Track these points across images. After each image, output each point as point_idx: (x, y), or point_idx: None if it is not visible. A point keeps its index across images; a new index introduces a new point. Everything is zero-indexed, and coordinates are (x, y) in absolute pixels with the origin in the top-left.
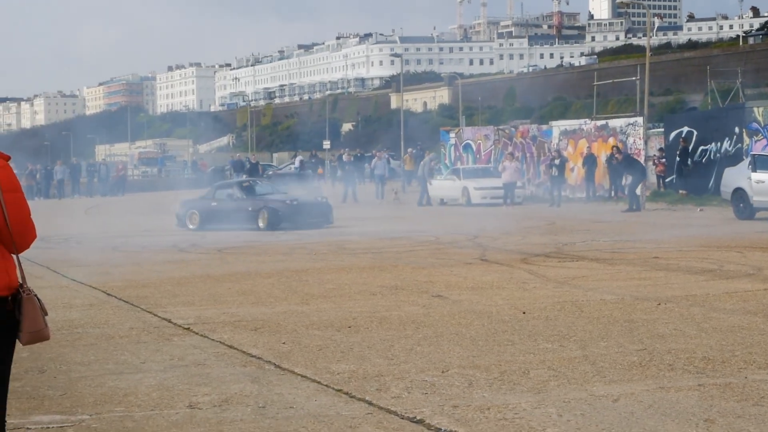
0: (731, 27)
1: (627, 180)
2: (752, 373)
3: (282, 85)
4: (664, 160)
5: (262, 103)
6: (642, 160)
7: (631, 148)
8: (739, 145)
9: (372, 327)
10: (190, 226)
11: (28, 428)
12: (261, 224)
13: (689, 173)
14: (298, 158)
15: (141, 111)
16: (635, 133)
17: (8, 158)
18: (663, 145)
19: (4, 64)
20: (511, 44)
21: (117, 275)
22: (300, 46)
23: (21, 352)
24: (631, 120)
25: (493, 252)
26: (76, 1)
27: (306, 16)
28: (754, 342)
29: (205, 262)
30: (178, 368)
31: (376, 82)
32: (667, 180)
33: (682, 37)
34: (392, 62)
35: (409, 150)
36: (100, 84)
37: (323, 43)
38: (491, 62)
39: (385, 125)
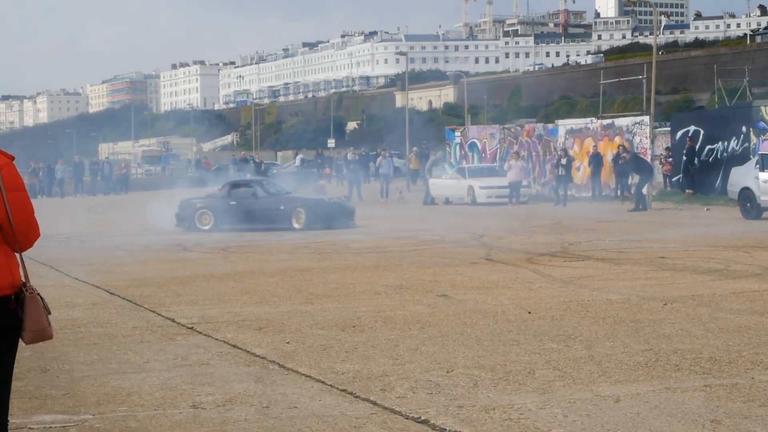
0: (738, 25)
1: (634, 179)
2: (759, 373)
3: (286, 84)
4: (670, 159)
5: (266, 101)
6: (648, 159)
7: (637, 147)
8: (746, 144)
9: (376, 327)
10: (202, 227)
11: (30, 428)
12: (296, 224)
13: (696, 172)
14: (299, 157)
15: (144, 109)
16: (642, 132)
17: (12, 158)
18: (669, 145)
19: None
20: (517, 42)
21: (120, 274)
22: (305, 44)
23: (24, 351)
24: (638, 119)
25: (498, 251)
26: None
27: (311, 14)
28: (761, 342)
29: (208, 261)
30: (182, 368)
31: (381, 81)
32: (673, 179)
33: (689, 36)
34: (397, 60)
35: (414, 149)
36: (104, 82)
37: (328, 41)
38: (497, 61)
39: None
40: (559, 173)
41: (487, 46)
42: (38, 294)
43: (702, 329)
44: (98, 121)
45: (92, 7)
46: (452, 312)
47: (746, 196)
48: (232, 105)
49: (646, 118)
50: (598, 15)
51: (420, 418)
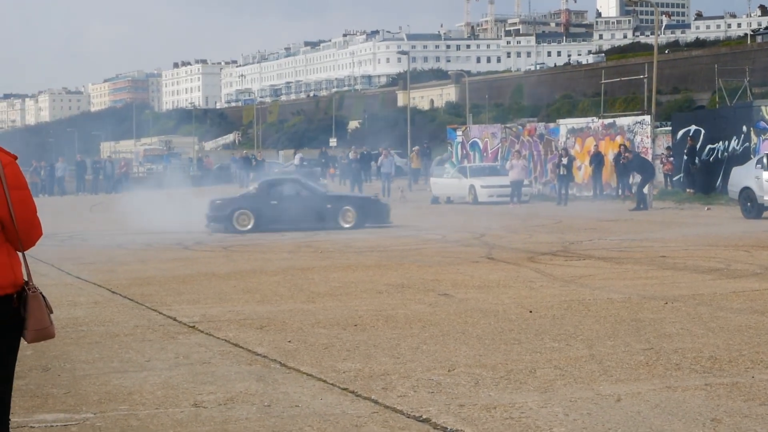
0: (739, 25)
1: (635, 178)
2: (759, 372)
3: (288, 83)
4: (671, 158)
5: (268, 100)
6: (650, 158)
7: (638, 147)
8: (747, 144)
9: (378, 325)
10: (241, 228)
11: (31, 426)
12: (344, 223)
13: (696, 172)
14: (298, 156)
15: (146, 108)
16: (643, 131)
17: (15, 157)
18: (670, 144)
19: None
20: (519, 42)
21: (122, 273)
22: (306, 44)
23: (25, 349)
24: (639, 118)
25: (499, 250)
26: None
27: (313, 13)
28: (761, 341)
29: (210, 260)
30: (183, 366)
31: (383, 80)
32: (674, 179)
33: (690, 36)
34: (399, 60)
35: (416, 148)
36: (106, 80)
37: (330, 41)
38: (498, 60)
39: (392, 123)
40: (561, 173)
41: (488, 46)
42: (40, 293)
43: (703, 328)
44: (100, 119)
45: (94, 6)
46: (453, 311)
47: (747, 195)
48: (234, 104)
49: (647, 118)
50: (599, 15)
51: (421, 416)
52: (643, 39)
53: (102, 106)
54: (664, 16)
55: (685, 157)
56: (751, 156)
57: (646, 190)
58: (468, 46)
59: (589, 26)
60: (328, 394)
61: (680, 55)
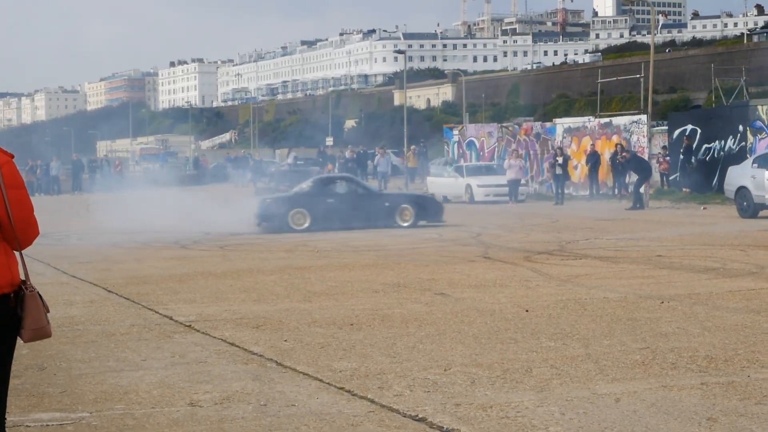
0: (736, 25)
1: (631, 178)
2: (755, 371)
3: (285, 82)
4: (668, 158)
5: (265, 99)
6: (646, 158)
7: (634, 146)
8: (743, 143)
9: (374, 325)
10: (297, 227)
11: (27, 426)
12: (402, 221)
13: (693, 171)
14: (292, 155)
15: (143, 107)
16: (639, 130)
17: (12, 156)
18: (667, 143)
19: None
20: (515, 41)
21: (118, 272)
22: (303, 42)
23: (21, 349)
24: (635, 118)
25: (495, 250)
26: None
27: (309, 12)
28: (757, 341)
29: (206, 259)
30: (179, 366)
31: (380, 79)
32: (670, 178)
33: (686, 35)
34: (396, 59)
35: (412, 147)
36: (102, 79)
37: (326, 39)
38: (495, 59)
39: (389, 122)
40: (557, 172)
41: (485, 45)
42: (37, 292)
43: (699, 327)
44: (96, 118)
45: (91, 5)
46: (450, 310)
47: (743, 194)
48: (230, 103)
49: (644, 117)
50: (596, 14)
51: (417, 416)
52: (639, 38)
53: (98, 105)
54: (660, 15)
55: (681, 157)
56: (748, 155)
57: (642, 189)
58: (464, 46)
59: (586, 25)
60: (324, 393)
61: (677, 54)
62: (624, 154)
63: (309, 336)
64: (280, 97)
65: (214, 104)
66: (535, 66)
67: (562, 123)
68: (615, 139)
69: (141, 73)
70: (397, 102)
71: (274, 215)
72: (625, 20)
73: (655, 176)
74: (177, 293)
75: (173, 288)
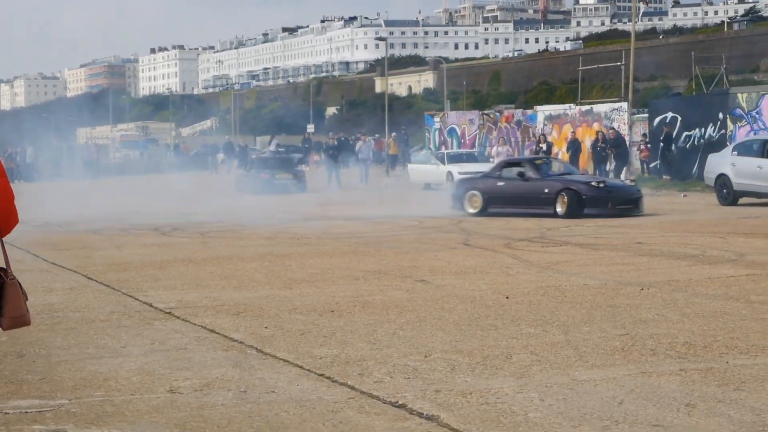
0: (716, 13)
1: (611, 165)
2: (733, 358)
3: (266, 68)
4: (648, 145)
5: (244, 85)
6: (627, 144)
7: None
8: (723, 131)
9: (355, 311)
10: (470, 210)
11: (6, 413)
12: (559, 209)
13: (672, 159)
14: (274, 142)
15: (123, 93)
16: (620, 118)
17: None
18: (647, 131)
19: None
20: (497, 28)
21: (98, 259)
22: (284, 30)
23: None
24: (616, 105)
25: (476, 237)
26: None
27: None
28: (735, 327)
29: (186, 246)
30: (159, 352)
31: (361, 66)
32: (651, 165)
33: (667, 23)
34: (377, 46)
35: (393, 134)
36: (82, 66)
37: (307, 27)
38: (476, 46)
39: (370, 109)
40: None
41: (466, 32)
42: (17, 281)
43: (678, 314)
44: (76, 105)
45: None
46: (430, 297)
47: (723, 182)
48: (211, 90)
49: (625, 105)
50: (577, 2)
51: (397, 402)
52: (620, 26)
53: (78, 92)
54: (641, 3)
55: (662, 144)
56: (728, 143)
57: (622, 176)
58: (446, 33)
59: (567, 13)
60: (304, 379)
61: (657, 42)
62: (611, 130)
63: (289, 323)
64: (261, 83)
65: (195, 91)
66: (516, 53)
67: (543, 110)
68: (596, 126)
69: (121, 59)
70: (378, 89)
71: (456, 196)
72: (606, 8)
73: (636, 164)
74: (157, 280)
75: (153, 275)
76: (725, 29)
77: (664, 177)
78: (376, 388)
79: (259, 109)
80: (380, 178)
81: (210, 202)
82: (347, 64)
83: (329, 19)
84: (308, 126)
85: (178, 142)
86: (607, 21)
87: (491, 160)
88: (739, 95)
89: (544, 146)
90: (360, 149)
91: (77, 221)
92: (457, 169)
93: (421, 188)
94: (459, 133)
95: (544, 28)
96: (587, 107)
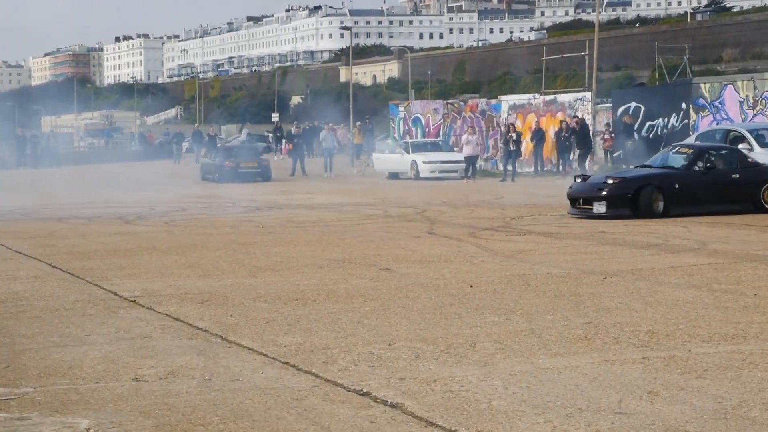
0: (679, 3)
1: (575, 155)
2: (696, 346)
3: (231, 57)
4: (612, 135)
5: (210, 75)
6: (591, 134)
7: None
8: (686, 120)
9: (319, 300)
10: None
11: None
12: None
13: (632, 149)
14: (245, 131)
15: (88, 82)
16: (584, 107)
17: None
18: (611, 121)
19: None
20: (461, 18)
21: (62, 247)
22: (249, 18)
23: None
24: (580, 95)
25: (441, 226)
26: None
27: None
28: (698, 315)
29: (151, 235)
30: (124, 341)
31: (326, 55)
32: (614, 155)
33: (630, 13)
34: (342, 35)
35: (358, 123)
36: (46, 54)
37: (272, 16)
38: (441, 36)
39: (335, 98)
40: (510, 148)
41: (431, 22)
42: None
43: (641, 302)
44: (41, 94)
45: None
46: (395, 286)
47: None
48: (176, 78)
49: (588, 94)
50: None
51: (362, 390)
52: (584, 16)
53: (43, 80)
54: None
55: (623, 135)
56: (690, 132)
57: (587, 165)
58: (411, 22)
59: (531, 3)
60: (269, 367)
61: (621, 32)
62: (575, 119)
63: (254, 311)
64: (210, 75)
65: (160, 80)
66: (480, 43)
67: (507, 100)
68: (560, 116)
69: (86, 48)
70: (343, 78)
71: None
72: None
73: (599, 153)
74: (122, 268)
75: (118, 263)
76: (688, 20)
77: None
78: (341, 376)
79: (224, 98)
80: (344, 167)
81: (173, 191)
82: (312, 53)
83: (294, 8)
84: (273, 115)
85: (143, 131)
86: (571, 11)
87: (455, 149)
88: (702, 85)
89: (513, 135)
90: (324, 138)
91: (41, 210)
92: (422, 158)
93: (386, 177)
94: (423, 122)
95: (508, 18)
96: (551, 97)
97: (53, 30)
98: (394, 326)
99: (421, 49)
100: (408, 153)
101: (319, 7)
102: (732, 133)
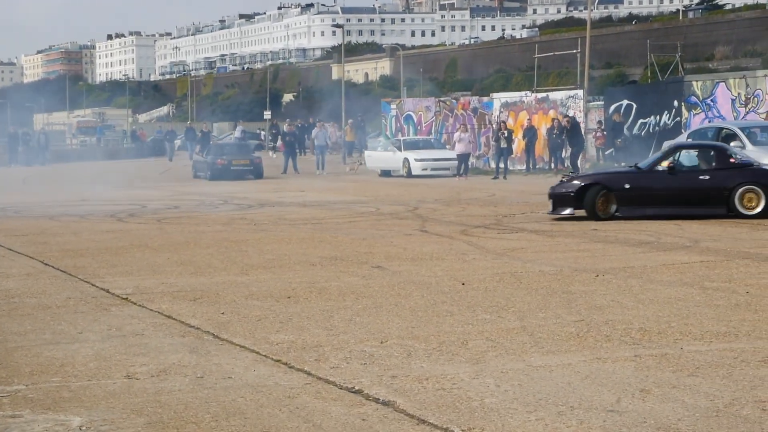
0: (671, 1)
1: (567, 152)
2: (688, 344)
3: (223, 55)
4: (604, 132)
5: (202, 72)
6: (582, 132)
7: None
8: (678, 118)
9: (311, 297)
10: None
11: None
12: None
13: (621, 148)
14: (239, 128)
15: (80, 80)
16: (575, 105)
17: None
18: (602, 118)
19: None
20: (453, 16)
21: (54, 245)
22: (241, 16)
23: None
24: (572, 93)
25: (432, 223)
26: None
27: None
28: (689, 313)
29: (143, 232)
30: (116, 338)
31: (318, 53)
32: (606, 152)
33: (622, 11)
34: (334, 33)
35: (350, 121)
36: (39, 52)
37: (264, 13)
38: (433, 34)
39: (327, 96)
40: (502, 145)
41: (423, 20)
42: None
43: (633, 300)
44: (33, 91)
45: None
46: (386, 283)
47: None
48: (168, 76)
49: (580, 92)
50: None
51: (354, 388)
52: (576, 14)
53: (35, 78)
54: None
55: (613, 133)
56: (682, 130)
57: (579, 162)
58: (403, 20)
59: (523, 0)
60: (261, 365)
61: (613, 30)
62: (566, 119)
63: (246, 309)
64: (214, 71)
65: (152, 77)
66: (472, 41)
67: (499, 97)
68: (552, 113)
69: (78, 45)
70: (335, 76)
71: None
72: None
73: (591, 151)
74: (114, 266)
75: (110, 261)
76: (680, 17)
77: (622, 164)
78: (333, 373)
79: (216, 95)
80: (337, 165)
81: (165, 189)
82: (304, 51)
83: (286, 5)
84: (265, 112)
85: (135, 129)
86: (563, 9)
87: (447, 147)
88: (694, 83)
89: (506, 132)
90: (317, 136)
91: (33, 207)
92: (414, 156)
93: (378, 175)
94: (415, 120)
95: (500, 16)
96: (543, 95)
97: (45, 27)
98: (386, 324)
99: (414, 47)
100: (400, 151)
101: (311, 5)
102: (724, 130)
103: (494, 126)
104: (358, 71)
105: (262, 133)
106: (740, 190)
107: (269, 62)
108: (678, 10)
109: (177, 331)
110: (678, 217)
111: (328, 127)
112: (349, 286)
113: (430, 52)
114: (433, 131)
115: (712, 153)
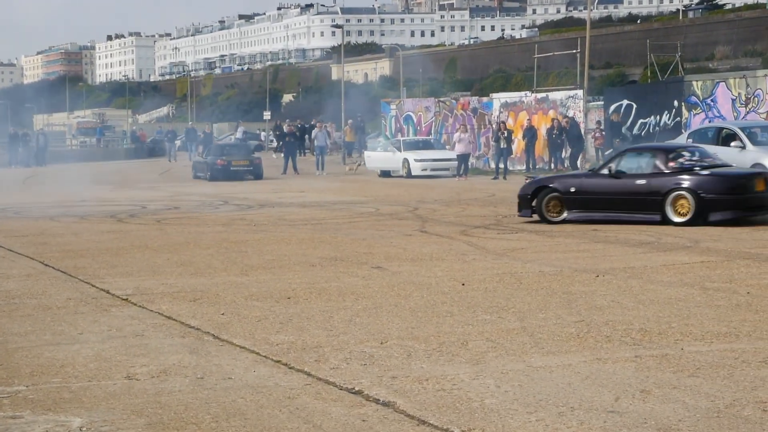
0: (671, 1)
1: (567, 152)
2: (688, 344)
3: (222, 56)
4: (603, 132)
5: (202, 73)
6: (582, 132)
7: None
8: (678, 118)
9: (311, 298)
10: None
11: None
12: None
13: (618, 148)
14: (241, 129)
15: (80, 80)
16: (575, 105)
17: None
18: (602, 118)
19: None
20: (453, 16)
21: (55, 245)
22: (241, 17)
23: None
24: (572, 93)
25: (432, 224)
26: None
27: None
28: (690, 314)
29: (143, 233)
30: (116, 339)
31: (317, 53)
32: (606, 153)
33: (622, 11)
34: (333, 33)
35: (350, 121)
36: (39, 53)
37: (264, 14)
38: (432, 34)
39: (326, 96)
40: (501, 146)
41: (422, 20)
42: None
43: (633, 301)
44: (33, 92)
45: None
46: (386, 284)
47: None
48: (167, 77)
49: (580, 92)
50: None
51: (354, 388)
52: (576, 14)
53: (35, 79)
54: None
55: (611, 133)
56: (683, 130)
57: (579, 162)
58: (402, 20)
59: (523, 0)
60: (261, 366)
61: (613, 30)
62: (565, 119)
63: (246, 309)
64: (217, 71)
65: (152, 78)
66: (472, 41)
67: (499, 98)
68: (551, 114)
69: (78, 46)
70: (335, 76)
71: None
72: None
73: (591, 151)
74: (114, 267)
75: (110, 261)
76: (680, 17)
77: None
78: (333, 374)
79: (216, 96)
80: (336, 166)
81: (165, 189)
82: (304, 51)
83: (286, 6)
84: (264, 113)
85: (135, 129)
86: (563, 9)
87: (447, 147)
88: (694, 83)
89: (505, 132)
90: (316, 136)
91: (33, 208)
92: (414, 156)
93: (378, 175)
94: (415, 120)
95: (499, 16)
96: (543, 95)
97: (45, 28)
98: (386, 324)
99: (413, 47)
100: (400, 151)
101: (311, 5)
102: (724, 130)
103: (494, 126)
104: (357, 71)
105: (262, 133)
106: (671, 196)
107: (269, 63)
108: (678, 10)
109: (177, 331)
110: (620, 222)
111: (327, 127)
112: (349, 286)
113: (429, 53)
114: (432, 132)
115: (652, 156)
